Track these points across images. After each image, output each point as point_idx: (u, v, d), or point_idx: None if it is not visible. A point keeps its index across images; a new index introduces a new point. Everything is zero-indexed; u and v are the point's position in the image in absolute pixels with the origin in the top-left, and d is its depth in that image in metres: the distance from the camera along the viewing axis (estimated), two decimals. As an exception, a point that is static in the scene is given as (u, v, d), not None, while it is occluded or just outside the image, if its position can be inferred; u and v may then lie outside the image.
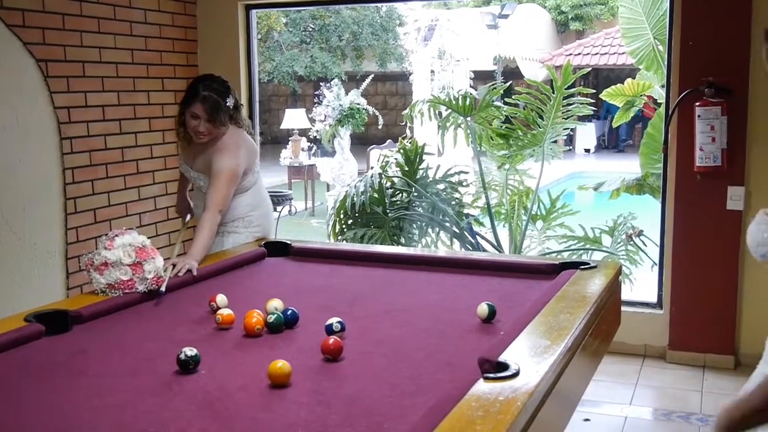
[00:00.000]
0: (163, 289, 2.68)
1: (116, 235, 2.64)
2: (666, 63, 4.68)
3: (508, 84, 6.25)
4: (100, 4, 4.64)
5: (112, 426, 1.70)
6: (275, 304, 2.41)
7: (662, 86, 5.60)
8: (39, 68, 4.25)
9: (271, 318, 2.31)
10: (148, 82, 5.01)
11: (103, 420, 1.73)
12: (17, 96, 4.16)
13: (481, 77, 14.51)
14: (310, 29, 18.89)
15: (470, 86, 12.19)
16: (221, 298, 2.50)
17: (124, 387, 1.92)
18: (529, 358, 1.93)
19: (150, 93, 5.05)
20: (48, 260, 4.37)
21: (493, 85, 5.73)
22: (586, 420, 3.81)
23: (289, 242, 3.42)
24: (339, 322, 2.22)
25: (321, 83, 11.84)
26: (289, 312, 2.36)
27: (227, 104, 3.47)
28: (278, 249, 3.37)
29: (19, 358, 2.13)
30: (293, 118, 13.00)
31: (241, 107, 3.67)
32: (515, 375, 1.79)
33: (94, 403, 1.83)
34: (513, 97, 5.80)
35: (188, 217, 3.94)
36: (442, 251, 4.86)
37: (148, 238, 2.76)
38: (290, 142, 12.45)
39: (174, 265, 2.88)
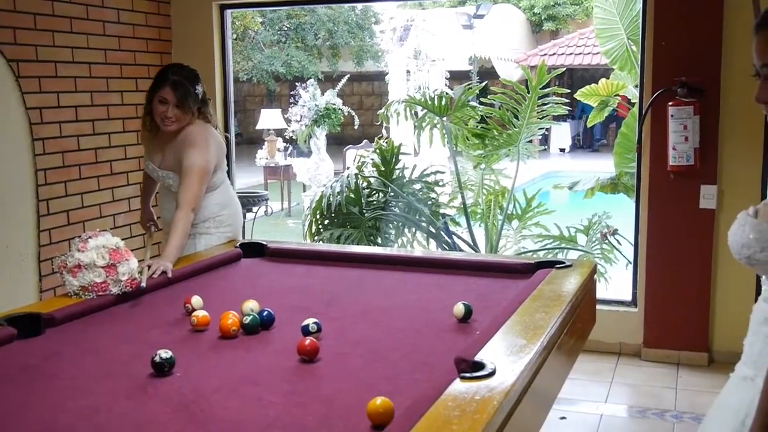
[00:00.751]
0: (143, 285, 2.66)
1: (90, 237, 2.61)
2: (639, 63, 4.72)
3: (483, 84, 6.27)
4: (72, 4, 4.59)
5: (87, 429, 1.69)
6: (251, 305, 2.40)
7: (636, 86, 5.64)
8: (10, 68, 4.20)
9: (247, 319, 2.30)
10: (122, 82, 4.98)
11: (78, 423, 1.71)
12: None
13: (456, 77, 14.55)
14: (286, 28, 18.84)
15: (446, 86, 12.22)
16: (196, 300, 2.49)
17: (98, 390, 1.90)
18: (505, 357, 1.94)
19: (124, 93, 5.00)
20: (21, 262, 4.32)
21: (468, 85, 5.75)
22: (563, 418, 3.83)
23: (264, 243, 3.40)
24: (315, 322, 2.22)
25: (297, 83, 11.80)
26: (265, 313, 2.35)
27: (196, 92, 3.43)
28: (254, 250, 3.36)
29: (-9, 362, 2.10)
30: (269, 119, 12.97)
31: (209, 101, 3.61)
32: (491, 374, 1.79)
33: (69, 405, 1.81)
34: (488, 97, 5.82)
35: (153, 229, 3.87)
36: (418, 251, 4.86)
37: (123, 239, 2.73)
38: (266, 143, 12.41)
39: (149, 267, 2.86)
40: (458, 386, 1.74)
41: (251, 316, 2.31)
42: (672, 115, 4.36)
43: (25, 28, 4.29)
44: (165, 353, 1.97)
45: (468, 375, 1.79)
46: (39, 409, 1.80)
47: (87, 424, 1.71)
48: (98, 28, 4.81)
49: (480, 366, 1.83)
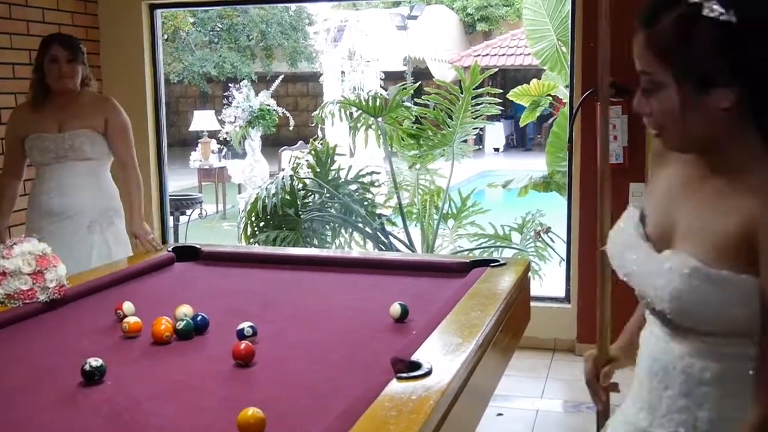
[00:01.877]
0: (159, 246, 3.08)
1: (15, 243, 2.53)
2: (569, 64, 4.81)
3: (417, 84, 6.31)
4: (-6, 3, 4.45)
5: (13, 443, 1.63)
6: (184, 310, 2.36)
7: (566, 86, 5.75)
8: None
9: (180, 324, 2.26)
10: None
11: (3, 437, 1.66)
12: None
13: (391, 78, 14.60)
14: (218, 29, 18.63)
15: (380, 87, 12.25)
16: (128, 306, 2.43)
17: (24, 401, 1.84)
18: (442, 356, 1.95)
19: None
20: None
21: (403, 85, 5.78)
22: (499, 415, 3.88)
23: (198, 246, 3.35)
24: (251, 326, 2.19)
25: (230, 84, 11.68)
26: (199, 318, 2.32)
27: (82, 51, 3.58)
28: (187, 253, 3.30)
29: None
30: (202, 120, 12.80)
31: (92, 75, 3.74)
32: (428, 374, 1.80)
33: (-7, 419, 1.75)
34: (423, 97, 5.86)
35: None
36: (355, 252, 4.86)
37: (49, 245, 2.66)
38: (200, 145, 12.25)
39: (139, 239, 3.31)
40: (395, 386, 1.74)
41: (185, 321, 2.27)
42: (601, 115, 4.46)
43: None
44: (95, 361, 1.92)
45: (404, 375, 1.80)
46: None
47: (14, 436, 1.66)
48: (22, 27, 4.67)
49: (416, 366, 1.84)
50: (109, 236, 3.58)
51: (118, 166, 3.67)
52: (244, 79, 13.18)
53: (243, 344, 2.05)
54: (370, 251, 5.13)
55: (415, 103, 5.95)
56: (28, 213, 3.69)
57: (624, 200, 4.56)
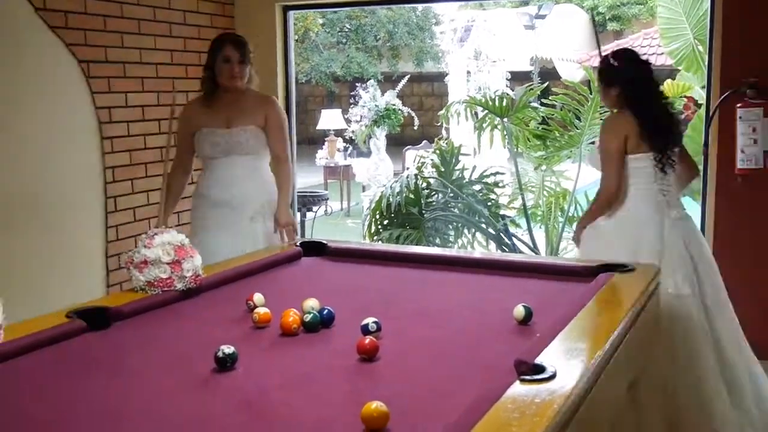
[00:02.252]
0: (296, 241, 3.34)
1: (155, 234, 2.67)
2: (706, 63, 4.62)
3: (545, 85, 6.22)
4: (140, 6, 4.71)
5: (151, 421, 1.72)
6: (311, 303, 2.42)
7: (702, 87, 5.52)
8: (81, 69, 4.32)
9: (308, 317, 2.32)
10: (187, 82, 5.07)
11: (142, 415, 1.75)
12: (61, 96, 4.24)
13: (517, 78, 14.43)
14: (347, 29, 18.95)
15: (507, 87, 12.14)
16: (258, 297, 2.52)
17: (162, 383, 1.95)
18: (566, 360, 1.92)
19: (188, 93, 5.09)
20: (89, 258, 4.45)
21: (529, 85, 5.71)
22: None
23: (325, 242, 3.43)
24: (375, 322, 2.23)
25: (357, 84, 11.87)
26: (326, 311, 2.37)
27: (250, 50, 3.80)
28: (314, 248, 3.39)
29: (61, 354, 2.16)
30: (329, 119, 13.06)
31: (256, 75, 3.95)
32: (552, 377, 1.78)
33: (134, 397, 1.85)
34: (550, 98, 5.77)
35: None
36: (477, 252, 4.84)
37: (186, 237, 2.79)
38: (326, 143, 12.51)
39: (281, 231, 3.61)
40: (518, 389, 1.73)
41: (312, 314, 2.33)
42: (740, 117, 4.26)
43: (95, 30, 4.41)
44: (228, 349, 2.00)
45: (528, 377, 1.78)
46: (105, 399, 1.85)
47: (151, 416, 1.75)
48: (165, 29, 4.92)
49: (540, 369, 1.82)
50: (270, 226, 3.83)
51: (272, 160, 3.90)
52: (370, 78, 13.35)
53: (367, 339, 2.08)
54: (493, 252, 5.10)
55: (542, 104, 5.87)
56: (194, 202, 3.97)
57: (764, 207, 4.34)
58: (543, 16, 16.56)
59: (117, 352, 2.19)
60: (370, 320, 2.23)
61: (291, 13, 5.60)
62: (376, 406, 1.62)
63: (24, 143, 4.07)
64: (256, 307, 2.46)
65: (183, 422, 1.71)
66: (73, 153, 4.33)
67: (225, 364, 1.99)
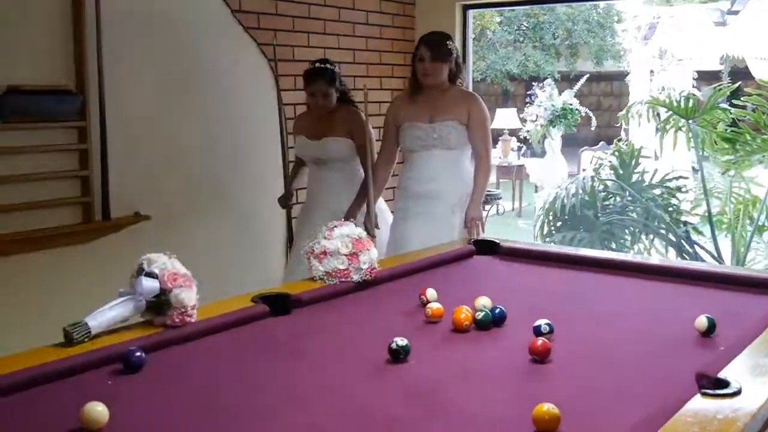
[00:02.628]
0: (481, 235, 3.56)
1: (335, 226, 2.78)
2: None
3: (736, 85, 5.87)
4: (326, 7, 4.90)
5: (326, 404, 1.80)
6: (483, 301, 2.43)
7: None
8: (270, 67, 4.56)
9: (480, 315, 2.33)
10: (368, 81, 5.21)
11: (317, 399, 1.83)
12: (250, 93, 4.49)
13: (705, 78, 13.68)
14: (524, 27, 18.73)
15: (693, 87, 11.55)
16: (431, 292, 2.56)
17: (337, 369, 2.03)
18: (752, 377, 1.81)
19: (369, 92, 5.25)
20: (272, 246, 4.69)
21: (719, 86, 5.42)
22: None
23: (497, 241, 3.42)
24: (547, 323, 2.20)
25: (533, 82, 11.71)
26: (497, 310, 2.37)
27: (448, 47, 3.93)
28: (487, 247, 3.39)
29: (247, 335, 2.31)
30: (504, 118, 12.97)
31: (463, 67, 4.12)
32: (736, 394, 1.69)
33: (310, 381, 1.94)
34: (741, 99, 5.44)
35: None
36: (655, 258, 4.66)
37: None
38: (500, 142, 12.44)
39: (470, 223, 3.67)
40: (698, 402, 1.66)
41: (483, 312, 2.34)
42: None
43: (284, 30, 4.64)
44: (401, 341, 2.05)
45: (710, 392, 1.70)
46: (283, 381, 1.95)
47: (325, 401, 1.82)
48: (348, 29, 5.09)
49: (724, 384, 1.73)
50: (455, 223, 3.96)
51: (473, 156, 4.02)
52: (547, 77, 13.13)
53: (540, 341, 2.06)
54: (672, 259, 4.88)
55: (732, 105, 5.54)
56: (395, 194, 4.23)
57: None
58: (736, 12, 15.57)
59: (297, 337, 2.30)
60: (542, 321, 2.21)
61: (470, 12, 5.62)
62: (548, 408, 1.61)
63: (217, 137, 4.35)
64: (428, 301, 2.50)
65: (357, 409, 1.78)
66: (260, 147, 4.58)
67: (398, 355, 2.04)
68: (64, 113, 3.60)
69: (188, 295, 2.23)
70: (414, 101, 4.01)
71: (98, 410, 1.64)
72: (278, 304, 2.52)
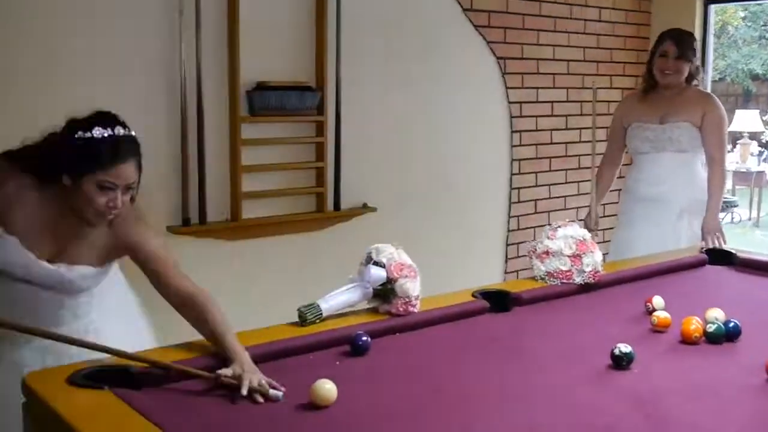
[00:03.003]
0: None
1: (559, 226, 2.74)
2: None
3: None
4: (557, 4, 4.83)
5: (546, 405, 1.79)
6: (715, 313, 2.30)
7: None
8: (498, 65, 4.58)
9: (711, 327, 2.20)
10: (597, 79, 5.07)
11: (537, 398, 1.83)
12: (477, 90, 4.54)
13: None
14: (772, 23, 17.31)
15: None
16: (658, 300, 2.46)
17: (557, 371, 2.01)
18: None
19: (598, 90, 5.12)
20: (491, 243, 4.72)
21: None
22: None
23: (733, 251, 3.21)
24: (789, 343, 2.04)
25: (781, 83, 10.80)
26: (731, 324, 2.23)
27: (693, 47, 3.74)
28: (720, 257, 3.19)
29: (466, 329, 2.35)
30: (744, 120, 12.06)
31: (701, 68, 3.88)
32: None
33: (529, 381, 1.94)
34: None
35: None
36: None
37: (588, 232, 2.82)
38: (738, 146, 11.59)
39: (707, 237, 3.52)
40: None
41: (716, 325, 2.21)
42: None
43: (513, 28, 4.64)
44: (625, 347, 2.00)
45: None
46: (503, 378, 1.96)
47: (546, 401, 1.82)
48: (579, 26, 4.98)
49: None
50: (695, 226, 3.77)
51: (706, 160, 3.80)
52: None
53: (780, 360, 1.92)
54: None
55: None
56: (621, 196, 4.06)
57: None
58: None
59: (516, 335, 2.31)
60: (783, 340, 2.06)
61: (711, 7, 5.29)
62: None
63: (444, 133, 4.44)
64: (655, 310, 2.40)
65: (577, 412, 1.75)
66: (486, 144, 4.62)
67: (620, 362, 1.99)
68: (305, 108, 3.85)
69: (413, 286, 2.31)
70: (645, 100, 3.84)
71: (327, 388, 1.74)
72: (498, 300, 2.54)
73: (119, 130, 2.03)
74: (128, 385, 1.80)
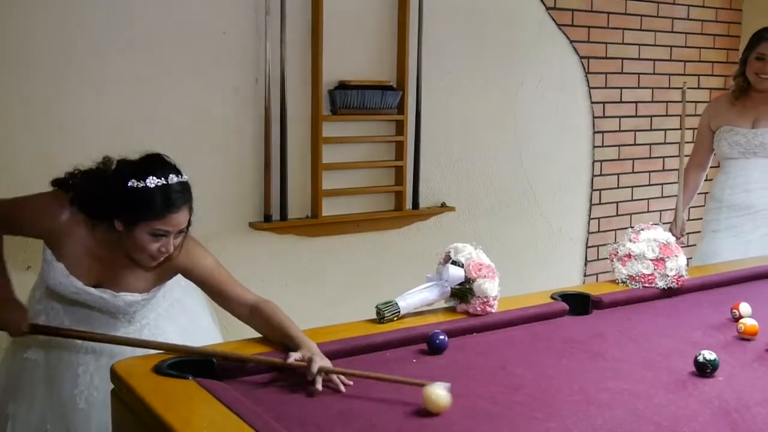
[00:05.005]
0: None
1: (642, 229, 2.70)
2: None
3: None
4: (643, 2, 4.73)
5: (626, 411, 1.76)
6: (806, 322, 2.22)
7: None
8: (581, 65, 4.52)
9: (801, 337, 2.13)
10: (685, 79, 4.95)
11: (618, 403, 1.80)
12: (560, 90, 4.48)
13: None
14: None
15: None
16: (744, 307, 2.39)
17: (638, 376, 1.97)
18: None
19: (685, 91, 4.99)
20: (570, 245, 4.65)
21: None
22: None
23: (826, 259, 3.09)
24: None
25: None
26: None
27: None
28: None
29: (545, 331, 2.33)
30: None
31: None
32: None
33: (610, 385, 1.91)
34: None
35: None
36: None
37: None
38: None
39: None
40: None
41: (806, 335, 2.14)
42: None
43: (598, 27, 4.56)
44: (709, 354, 1.95)
45: None
46: (581, 381, 1.94)
47: (626, 406, 1.79)
48: (666, 25, 4.87)
49: None
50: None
51: None
52: None
53: None
54: None
55: None
56: (707, 203, 3.87)
57: None
58: None
59: (595, 338, 2.28)
60: None
61: (808, 4, 5.08)
62: None
63: (523, 135, 4.40)
64: (741, 317, 2.34)
65: (659, 418, 1.72)
66: (568, 144, 4.56)
67: (705, 369, 1.95)
68: (385, 107, 3.87)
69: (491, 286, 2.31)
70: (736, 104, 3.66)
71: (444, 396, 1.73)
72: (578, 303, 2.51)
73: (172, 178, 2.02)
74: (211, 375, 1.86)
